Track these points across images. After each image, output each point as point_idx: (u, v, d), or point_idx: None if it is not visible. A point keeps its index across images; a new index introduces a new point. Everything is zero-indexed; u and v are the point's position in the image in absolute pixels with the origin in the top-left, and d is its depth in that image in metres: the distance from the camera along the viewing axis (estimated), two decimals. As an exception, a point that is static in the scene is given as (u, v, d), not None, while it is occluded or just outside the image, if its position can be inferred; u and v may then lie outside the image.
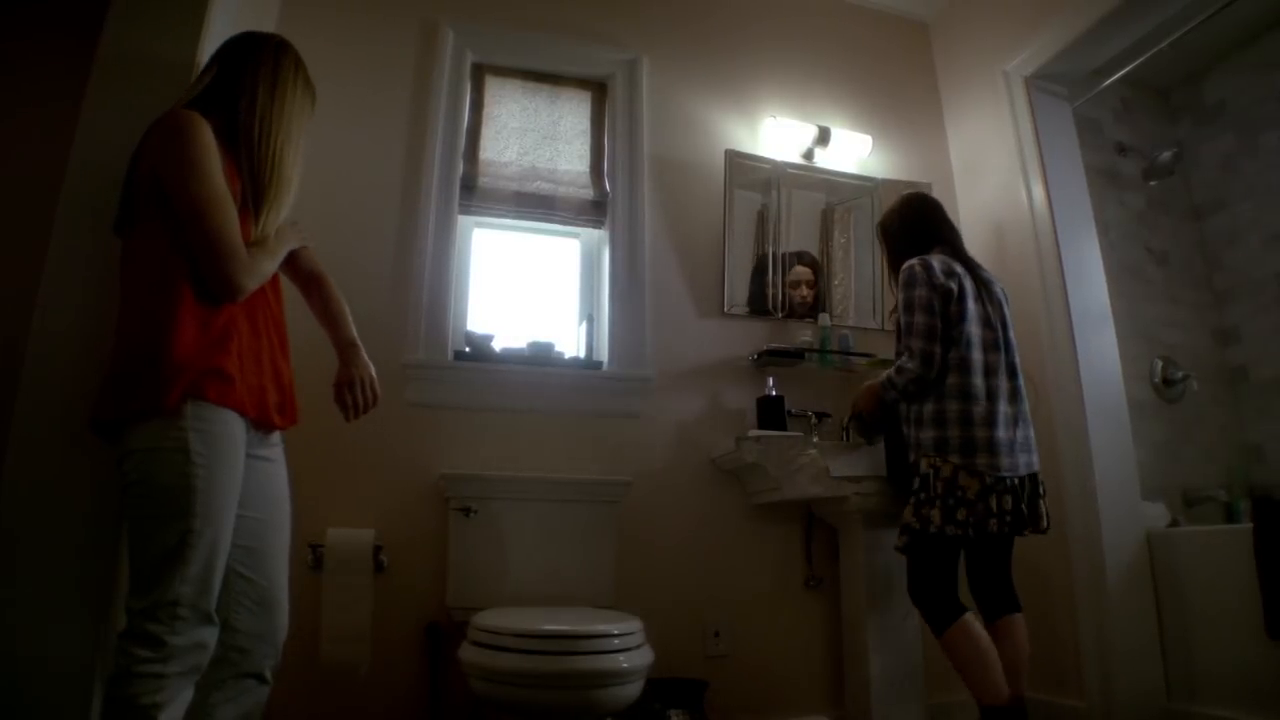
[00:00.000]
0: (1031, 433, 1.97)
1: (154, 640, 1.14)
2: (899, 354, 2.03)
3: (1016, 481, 1.87)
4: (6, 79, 1.67)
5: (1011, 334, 2.03)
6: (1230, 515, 2.87)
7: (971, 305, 1.97)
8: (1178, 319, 3.17)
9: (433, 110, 2.56)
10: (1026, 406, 1.99)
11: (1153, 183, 3.19)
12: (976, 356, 1.93)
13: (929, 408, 1.93)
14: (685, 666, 2.29)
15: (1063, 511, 2.44)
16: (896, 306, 2.06)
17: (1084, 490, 2.39)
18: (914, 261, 2.01)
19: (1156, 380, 3.02)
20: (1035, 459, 1.95)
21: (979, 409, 1.88)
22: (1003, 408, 1.91)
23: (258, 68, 1.41)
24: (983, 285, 2.03)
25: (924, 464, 1.91)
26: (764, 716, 2.35)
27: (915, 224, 2.15)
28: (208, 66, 1.43)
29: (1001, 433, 1.88)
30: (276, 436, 1.44)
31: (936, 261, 2.00)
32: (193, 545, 1.18)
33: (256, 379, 1.33)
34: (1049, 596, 2.45)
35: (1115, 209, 3.15)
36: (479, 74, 2.73)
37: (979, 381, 1.91)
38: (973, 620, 1.83)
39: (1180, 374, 3.02)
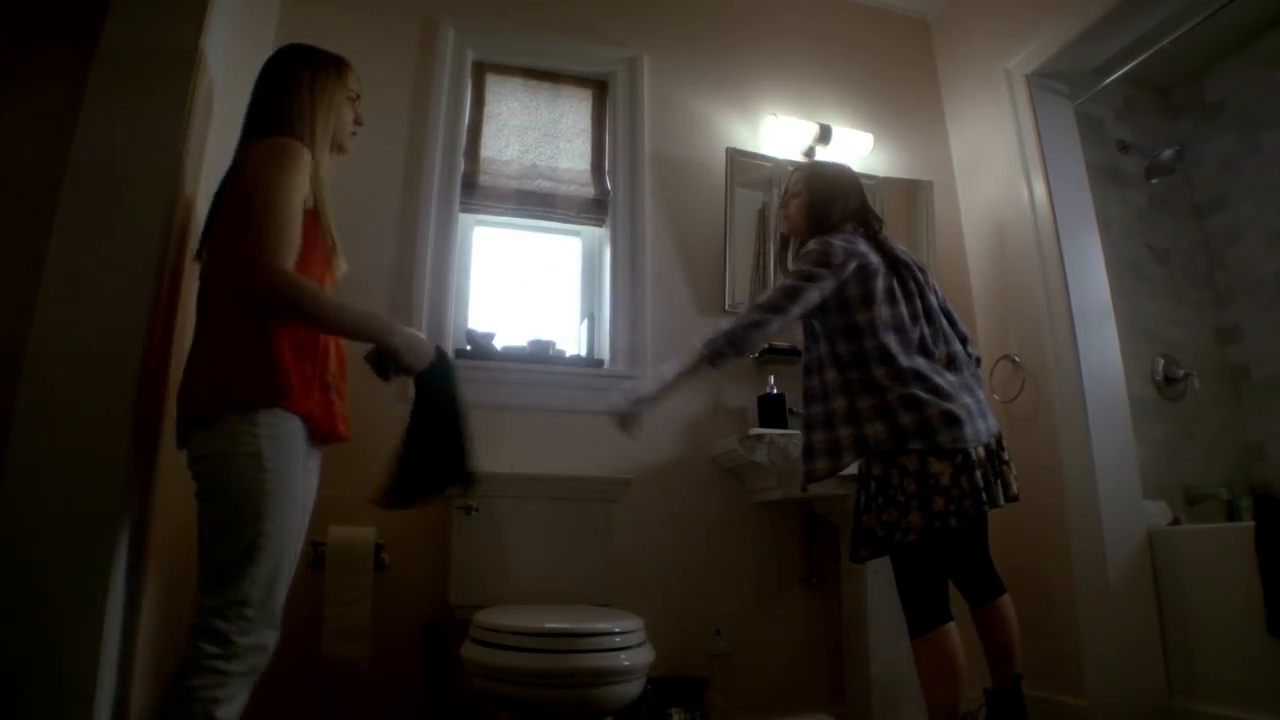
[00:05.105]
0: (982, 396, 1.84)
1: (221, 637, 1.18)
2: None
3: (983, 453, 1.76)
4: (6, 75, 1.66)
5: (932, 298, 1.90)
6: (1231, 513, 2.87)
7: (879, 284, 1.83)
8: (1179, 317, 3.17)
9: (433, 108, 2.56)
10: (968, 373, 1.85)
11: (1154, 181, 3.18)
12: (891, 339, 1.78)
13: (865, 402, 1.75)
14: (686, 665, 2.29)
15: (1064, 510, 2.44)
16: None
17: (1085, 488, 2.39)
18: (812, 244, 1.87)
19: (1158, 378, 3.02)
20: (993, 422, 1.82)
21: (919, 388, 1.73)
22: (940, 380, 1.77)
23: (289, 99, 1.44)
24: (887, 257, 1.90)
25: (876, 466, 1.75)
26: (765, 715, 2.35)
27: (842, 196, 1.98)
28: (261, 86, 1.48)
29: (953, 404, 1.73)
30: (318, 452, 1.46)
31: (838, 240, 1.86)
32: (262, 548, 1.22)
33: (323, 391, 1.36)
34: (1050, 595, 2.45)
35: (1116, 207, 3.15)
36: (480, 72, 2.73)
37: (906, 363, 1.76)
38: (955, 632, 1.70)
39: (1181, 372, 3.01)
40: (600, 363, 2.55)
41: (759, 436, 2.30)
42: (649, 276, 2.63)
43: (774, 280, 2.74)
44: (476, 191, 2.60)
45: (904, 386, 1.73)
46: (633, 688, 1.65)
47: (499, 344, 2.44)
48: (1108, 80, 2.74)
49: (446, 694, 2.09)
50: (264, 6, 2.34)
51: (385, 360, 1.37)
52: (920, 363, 1.78)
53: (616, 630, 1.66)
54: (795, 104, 2.98)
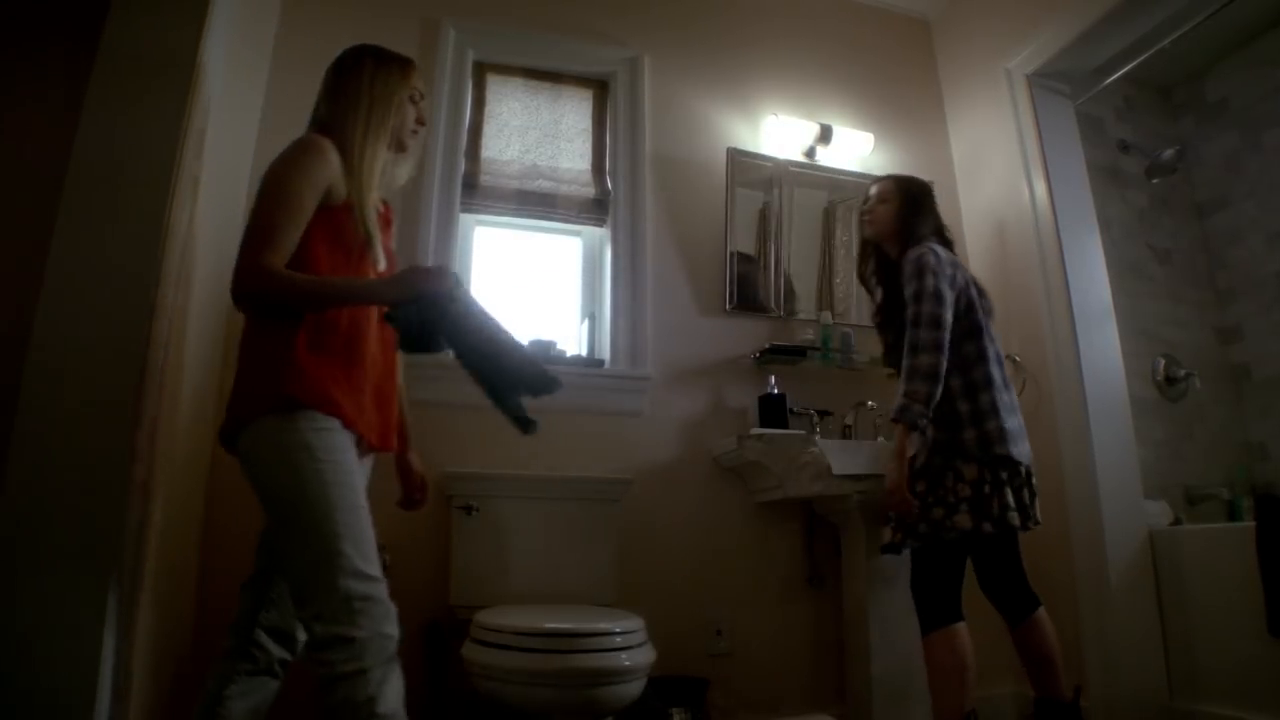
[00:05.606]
0: (1021, 419, 1.91)
1: (343, 641, 1.16)
2: (891, 346, 1.97)
3: (1027, 470, 1.84)
4: (6, 75, 1.67)
5: (991, 321, 1.99)
6: (1232, 513, 2.87)
7: (975, 294, 1.93)
8: (1180, 317, 3.17)
9: (434, 109, 2.56)
10: (1013, 396, 1.94)
11: (1155, 180, 3.19)
12: (988, 346, 1.88)
13: (964, 407, 1.84)
14: (687, 664, 2.28)
15: (1065, 510, 2.44)
16: (897, 298, 1.99)
17: (1086, 488, 2.39)
18: (923, 250, 1.91)
19: (1159, 378, 3.02)
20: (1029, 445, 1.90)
21: (1000, 397, 1.82)
22: (1007, 396, 1.87)
23: (346, 93, 1.45)
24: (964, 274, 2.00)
25: (937, 462, 1.83)
26: (766, 714, 2.35)
27: (928, 209, 2.07)
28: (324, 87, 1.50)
29: (1015, 419, 1.84)
30: (369, 460, 1.46)
31: (941, 251, 1.94)
32: (342, 536, 1.20)
33: (363, 399, 1.36)
34: (1051, 595, 2.42)
35: (1117, 207, 3.15)
36: (480, 72, 2.73)
37: (995, 371, 1.86)
38: (965, 632, 1.75)
39: (1182, 372, 3.01)
40: (601, 363, 2.54)
41: (760, 436, 2.30)
42: (650, 276, 2.63)
43: (776, 280, 2.75)
44: (477, 192, 2.60)
45: (988, 394, 1.82)
46: (633, 688, 1.65)
47: (499, 344, 2.43)
48: (1108, 80, 2.74)
49: (447, 694, 2.09)
50: (265, 7, 2.34)
51: (393, 314, 1.30)
52: (998, 375, 1.87)
53: (617, 630, 1.66)
54: (796, 104, 2.97)
